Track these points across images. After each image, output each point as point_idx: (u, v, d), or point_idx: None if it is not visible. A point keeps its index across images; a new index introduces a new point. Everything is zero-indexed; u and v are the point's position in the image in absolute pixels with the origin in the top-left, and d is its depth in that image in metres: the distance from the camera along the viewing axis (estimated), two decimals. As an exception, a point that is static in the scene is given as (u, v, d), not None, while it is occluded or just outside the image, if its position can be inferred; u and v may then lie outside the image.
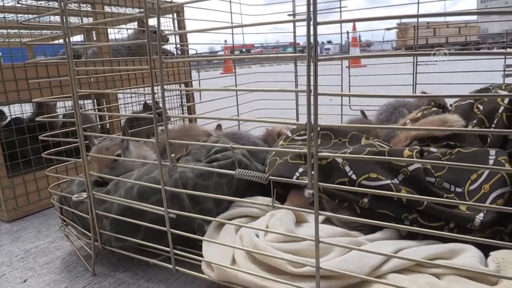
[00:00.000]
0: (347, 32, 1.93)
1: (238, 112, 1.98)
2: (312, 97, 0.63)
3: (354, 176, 1.03)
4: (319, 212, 0.67)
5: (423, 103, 1.65)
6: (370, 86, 2.00)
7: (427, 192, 0.98)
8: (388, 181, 0.99)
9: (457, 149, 1.10)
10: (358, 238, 0.93)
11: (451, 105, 1.48)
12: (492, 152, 1.02)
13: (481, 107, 1.29)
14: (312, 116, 0.63)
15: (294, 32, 1.91)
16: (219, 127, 1.56)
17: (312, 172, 0.65)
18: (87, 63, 1.59)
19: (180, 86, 2.09)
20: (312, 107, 0.63)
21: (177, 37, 2.07)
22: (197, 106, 2.26)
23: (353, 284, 0.81)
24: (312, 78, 0.62)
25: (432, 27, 11.74)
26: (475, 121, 1.27)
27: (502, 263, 0.83)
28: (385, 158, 0.94)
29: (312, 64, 0.62)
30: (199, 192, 0.94)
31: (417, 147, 1.09)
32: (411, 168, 1.01)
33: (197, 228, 1.05)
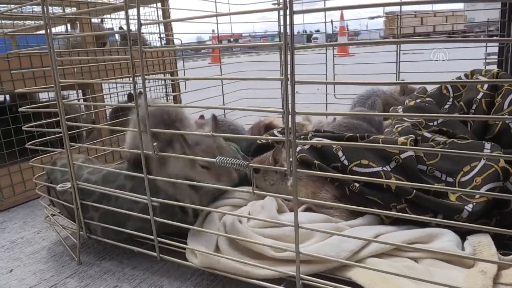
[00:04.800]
0: (331, 21, 1.94)
1: (223, 102, 1.99)
2: (289, 85, 0.64)
3: (346, 162, 1.05)
4: (298, 198, 0.69)
5: (397, 92, 1.67)
6: (355, 74, 2.02)
7: (417, 180, 0.99)
8: (379, 168, 1.01)
9: (451, 139, 1.11)
10: (339, 224, 0.95)
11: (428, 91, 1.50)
12: (487, 145, 1.03)
13: (449, 88, 1.31)
14: (289, 103, 0.64)
15: (279, 22, 1.91)
16: (201, 117, 1.57)
17: (291, 159, 0.67)
18: (71, 53, 1.58)
19: (164, 76, 2.08)
20: (289, 94, 0.64)
21: (162, 27, 2.06)
22: (183, 96, 2.26)
23: (333, 268, 0.83)
24: (289, 66, 0.63)
25: (419, 16, 11.81)
26: (447, 106, 1.29)
27: (478, 247, 0.86)
28: (370, 144, 0.96)
29: (289, 52, 0.63)
30: (182, 181, 0.95)
31: (412, 135, 1.10)
32: (403, 155, 1.02)
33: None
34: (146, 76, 0.85)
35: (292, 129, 0.65)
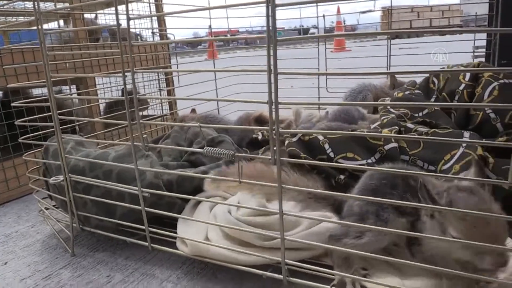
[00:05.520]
0: (323, 16, 1.95)
1: (217, 96, 2.00)
2: (272, 76, 0.66)
3: (332, 154, 1.08)
4: (282, 186, 0.71)
5: (387, 86, 1.69)
6: (350, 68, 2.04)
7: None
8: (364, 162, 1.04)
9: (433, 129, 1.14)
10: (326, 212, 0.97)
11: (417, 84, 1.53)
12: (466, 134, 1.06)
13: (435, 81, 1.35)
14: (273, 94, 0.66)
15: (274, 16, 1.92)
16: (193, 111, 1.58)
17: (274, 148, 0.69)
18: (63, 48, 1.59)
19: (158, 73, 2.09)
20: (272, 85, 0.66)
21: (155, 22, 2.07)
22: (177, 91, 2.27)
23: (318, 255, 0.86)
24: (272, 58, 0.65)
25: (416, 10, 11.85)
26: (433, 100, 1.32)
27: None
28: (356, 133, 0.98)
29: (271, 44, 0.65)
30: (169, 170, 0.96)
31: (395, 126, 1.13)
32: (387, 147, 1.06)
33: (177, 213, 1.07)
34: (138, 71, 0.87)
35: (276, 118, 0.67)
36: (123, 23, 0.84)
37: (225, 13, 2.16)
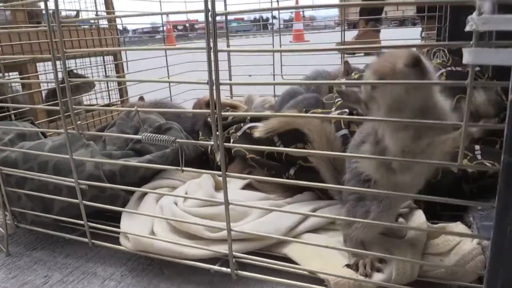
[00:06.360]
0: (277, 8, 1.91)
1: (169, 84, 1.92)
2: (212, 54, 0.61)
3: (281, 147, 1.03)
4: (226, 174, 0.66)
5: (341, 73, 1.68)
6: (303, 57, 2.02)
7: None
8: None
9: None
10: (277, 201, 0.94)
11: None
12: None
13: None
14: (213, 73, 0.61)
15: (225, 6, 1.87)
16: (141, 99, 1.51)
17: (217, 133, 0.64)
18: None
19: (104, 58, 1.98)
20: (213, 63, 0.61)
21: (102, 6, 1.95)
22: (127, 78, 2.17)
23: (269, 245, 0.82)
24: (212, 34, 0.60)
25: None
26: None
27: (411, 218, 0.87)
28: (300, 115, 0.94)
29: (210, 19, 0.60)
30: (109, 160, 0.90)
31: (346, 109, 1.10)
32: (338, 134, 1.03)
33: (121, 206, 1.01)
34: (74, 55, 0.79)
35: (217, 101, 0.62)
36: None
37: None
